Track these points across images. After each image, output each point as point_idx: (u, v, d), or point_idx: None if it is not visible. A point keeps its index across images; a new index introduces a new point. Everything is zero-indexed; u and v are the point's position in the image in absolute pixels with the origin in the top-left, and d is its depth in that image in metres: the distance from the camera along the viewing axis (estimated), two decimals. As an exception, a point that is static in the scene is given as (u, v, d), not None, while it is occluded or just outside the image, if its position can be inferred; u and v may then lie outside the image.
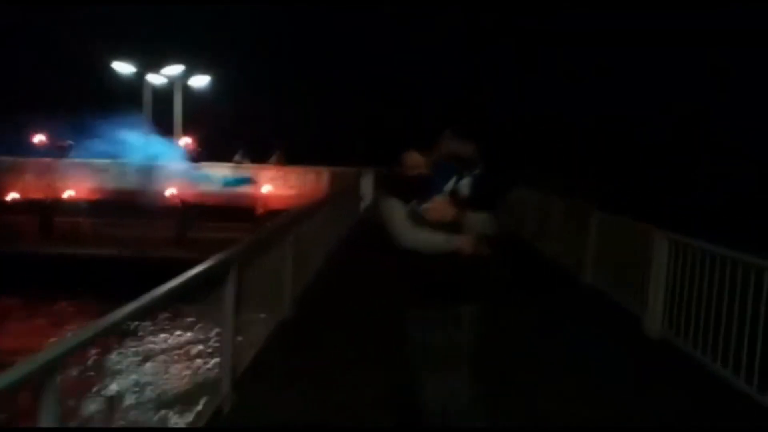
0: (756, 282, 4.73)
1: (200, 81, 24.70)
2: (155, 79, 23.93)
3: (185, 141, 22.45)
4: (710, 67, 27.53)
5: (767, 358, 4.58)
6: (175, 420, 8.08)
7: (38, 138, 22.04)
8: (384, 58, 31.02)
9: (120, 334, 10.13)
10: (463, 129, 3.77)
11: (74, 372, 8.93)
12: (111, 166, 19.98)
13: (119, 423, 8.30)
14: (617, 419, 4.46)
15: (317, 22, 32.40)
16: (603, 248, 8.21)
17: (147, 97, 23.90)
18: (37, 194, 18.61)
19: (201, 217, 17.28)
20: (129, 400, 8.91)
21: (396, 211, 3.50)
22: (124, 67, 23.91)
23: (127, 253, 15.29)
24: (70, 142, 21.23)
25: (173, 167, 19.97)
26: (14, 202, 19.11)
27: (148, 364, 10.23)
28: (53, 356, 2.36)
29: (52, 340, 7.02)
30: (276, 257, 5.99)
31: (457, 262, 3.38)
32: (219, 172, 20.52)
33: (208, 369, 9.41)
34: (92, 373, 9.47)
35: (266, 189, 20.26)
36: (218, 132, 24.42)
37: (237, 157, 21.63)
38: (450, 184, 3.53)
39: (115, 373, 9.74)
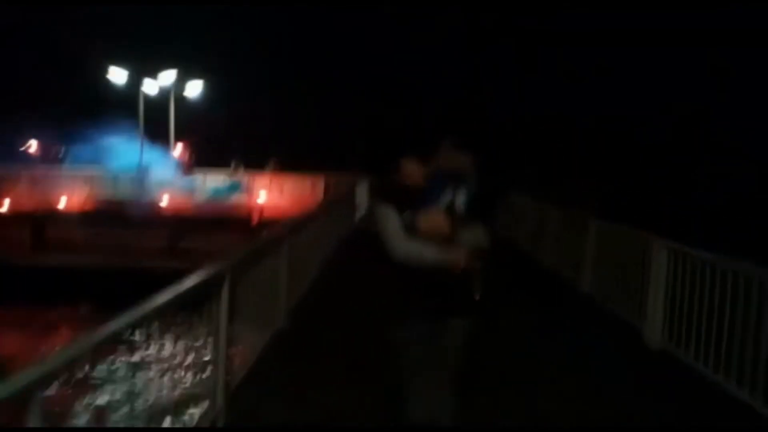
0: (759, 295, 4.65)
1: (194, 88, 24.61)
2: (149, 87, 23.84)
3: (177, 150, 22.38)
4: (710, 67, 27.50)
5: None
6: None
7: (30, 146, 21.95)
8: (384, 58, 31.02)
9: (111, 343, 9.94)
10: (462, 140, 3.72)
11: (60, 380, 8.74)
12: (103, 175, 19.88)
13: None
14: (617, 419, 4.47)
15: (317, 22, 32.42)
16: (601, 257, 8.12)
17: (141, 105, 23.81)
18: (29, 204, 18.49)
19: (194, 227, 17.18)
20: (117, 414, 8.76)
21: (390, 220, 3.45)
22: (118, 74, 23.76)
23: (119, 263, 15.17)
24: (63, 147, 21.17)
25: (165, 176, 19.88)
26: (7, 212, 18.97)
27: (140, 375, 10.08)
28: (36, 377, 2.28)
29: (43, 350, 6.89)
30: (270, 267, 5.91)
31: (448, 276, 3.34)
32: (211, 181, 20.44)
33: (201, 381, 9.27)
34: (79, 385, 9.29)
35: (261, 198, 20.19)
36: (212, 139, 24.35)
37: (231, 168, 21.59)
38: (446, 197, 3.48)
39: (104, 384, 9.57)
